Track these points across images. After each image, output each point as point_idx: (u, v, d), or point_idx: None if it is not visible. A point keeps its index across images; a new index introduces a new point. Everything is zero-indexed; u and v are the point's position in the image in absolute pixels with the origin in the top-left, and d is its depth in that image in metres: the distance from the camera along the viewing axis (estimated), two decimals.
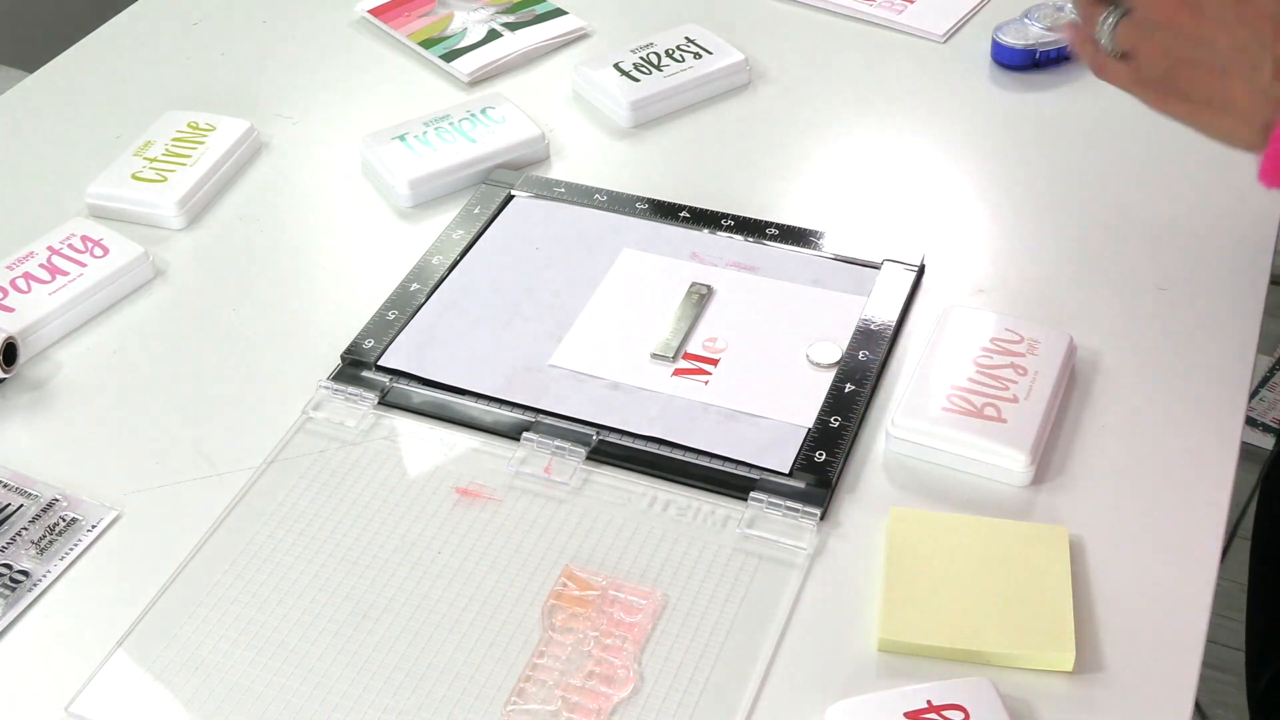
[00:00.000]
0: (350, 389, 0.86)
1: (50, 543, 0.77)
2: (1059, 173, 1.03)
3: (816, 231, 0.97)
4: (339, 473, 0.81)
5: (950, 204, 1.01)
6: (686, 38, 1.16)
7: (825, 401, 0.83)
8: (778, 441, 0.81)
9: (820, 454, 0.79)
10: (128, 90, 1.17)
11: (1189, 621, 0.70)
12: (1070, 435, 0.81)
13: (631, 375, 0.86)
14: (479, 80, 1.17)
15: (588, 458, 0.81)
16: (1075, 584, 0.71)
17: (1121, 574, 0.73)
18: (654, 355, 0.87)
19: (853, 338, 0.87)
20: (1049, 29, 1.13)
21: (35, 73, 1.21)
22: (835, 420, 0.82)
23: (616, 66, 1.13)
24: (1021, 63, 1.13)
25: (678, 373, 0.86)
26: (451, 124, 1.07)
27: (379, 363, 0.88)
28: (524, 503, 0.79)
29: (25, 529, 0.78)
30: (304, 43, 1.23)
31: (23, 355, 0.88)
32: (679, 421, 0.82)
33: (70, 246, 0.96)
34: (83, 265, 0.94)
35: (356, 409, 0.85)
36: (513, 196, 1.02)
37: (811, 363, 0.86)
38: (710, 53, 1.14)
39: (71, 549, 0.77)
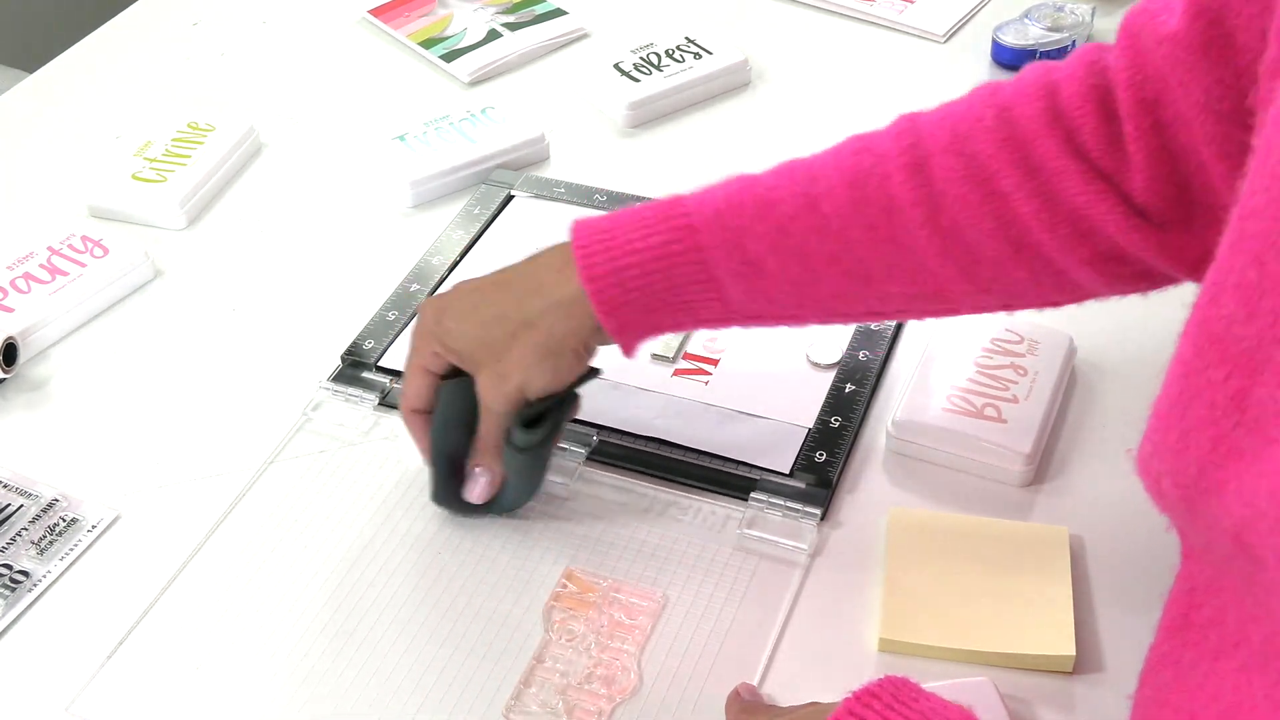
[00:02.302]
0: (350, 389, 0.86)
1: (50, 543, 0.77)
2: None
3: None
4: (339, 473, 0.81)
5: None
6: (686, 38, 1.16)
7: (825, 401, 0.83)
8: (778, 441, 0.81)
9: (820, 454, 0.79)
10: (128, 90, 1.17)
11: None
12: (1070, 435, 0.81)
13: (632, 375, 0.86)
14: (479, 80, 1.16)
15: (588, 458, 0.81)
16: (1075, 584, 0.71)
17: (1121, 574, 0.73)
18: (654, 355, 0.87)
19: (853, 338, 0.87)
20: (1049, 29, 1.13)
21: (35, 73, 1.21)
22: (835, 420, 0.82)
23: (616, 66, 1.13)
24: (1021, 63, 1.13)
25: (678, 373, 0.86)
26: (451, 124, 1.07)
27: (379, 363, 0.88)
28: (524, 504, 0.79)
29: (25, 529, 0.78)
30: (304, 43, 1.23)
31: (23, 355, 0.88)
32: (679, 422, 0.82)
33: (70, 246, 0.96)
34: (83, 265, 0.94)
35: (356, 409, 0.85)
36: (513, 196, 1.02)
37: (811, 363, 0.86)
38: (710, 53, 1.14)
39: (71, 549, 0.77)
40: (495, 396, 0.72)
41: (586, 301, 0.70)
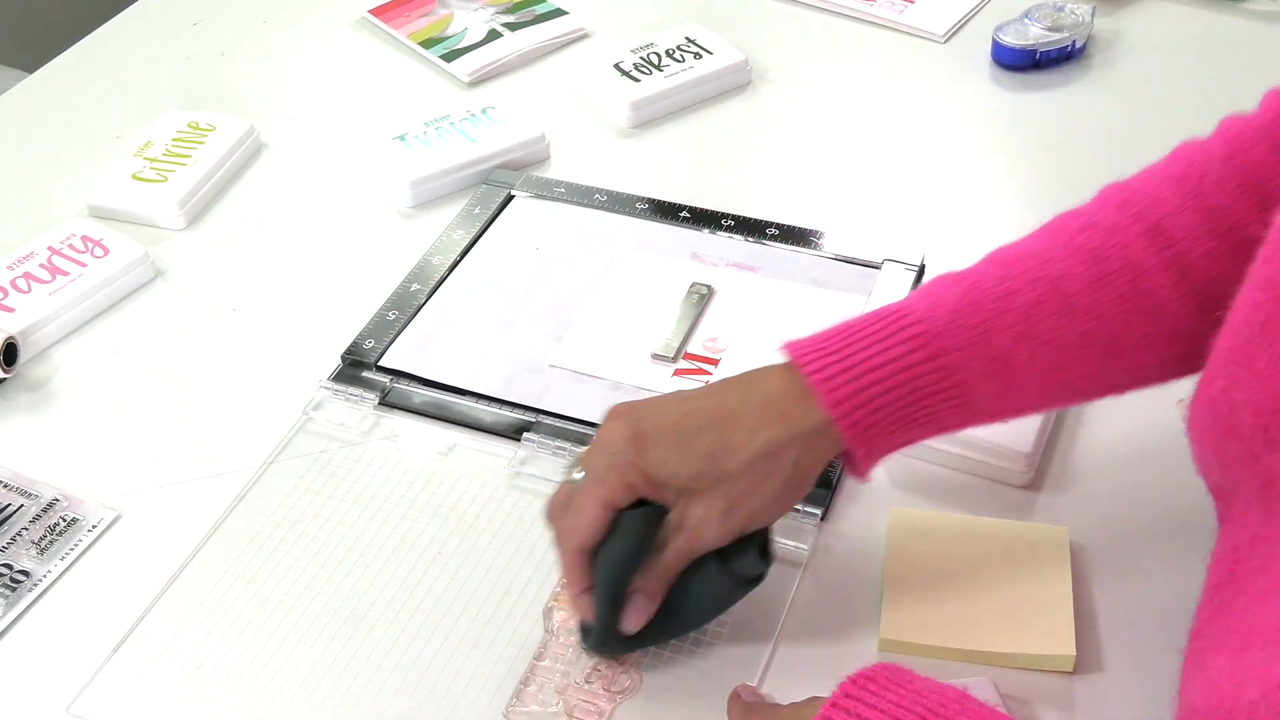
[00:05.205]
0: (350, 389, 0.86)
1: (50, 543, 0.77)
2: (1059, 172, 1.03)
3: (816, 231, 0.97)
4: (339, 473, 0.81)
5: (950, 204, 1.01)
6: (686, 38, 1.16)
7: None
8: None
9: None
10: (128, 90, 1.17)
11: (1189, 621, 0.70)
12: (1070, 436, 0.81)
13: (632, 375, 0.86)
14: (479, 80, 1.17)
15: None
16: (1075, 584, 0.71)
17: (1121, 574, 0.73)
18: (654, 355, 0.87)
19: None
20: (1049, 29, 1.13)
21: (35, 73, 1.21)
22: None
23: (616, 66, 1.13)
24: (1021, 63, 1.13)
25: (678, 373, 0.86)
26: (451, 124, 1.07)
27: (379, 363, 0.88)
28: (524, 503, 0.79)
29: (25, 529, 0.78)
30: (304, 43, 1.23)
31: (23, 355, 0.88)
32: None
33: (70, 246, 0.96)
34: (83, 265, 0.94)
35: (356, 409, 0.85)
36: (513, 196, 1.02)
37: None
38: (710, 53, 1.14)
39: (71, 549, 0.77)
40: (716, 531, 0.65)
41: (832, 429, 0.65)
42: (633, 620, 0.67)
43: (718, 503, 0.64)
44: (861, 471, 0.67)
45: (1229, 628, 0.54)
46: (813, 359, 0.65)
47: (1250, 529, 0.55)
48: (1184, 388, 0.56)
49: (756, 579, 0.68)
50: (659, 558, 0.65)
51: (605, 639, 0.68)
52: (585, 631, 0.69)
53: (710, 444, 0.65)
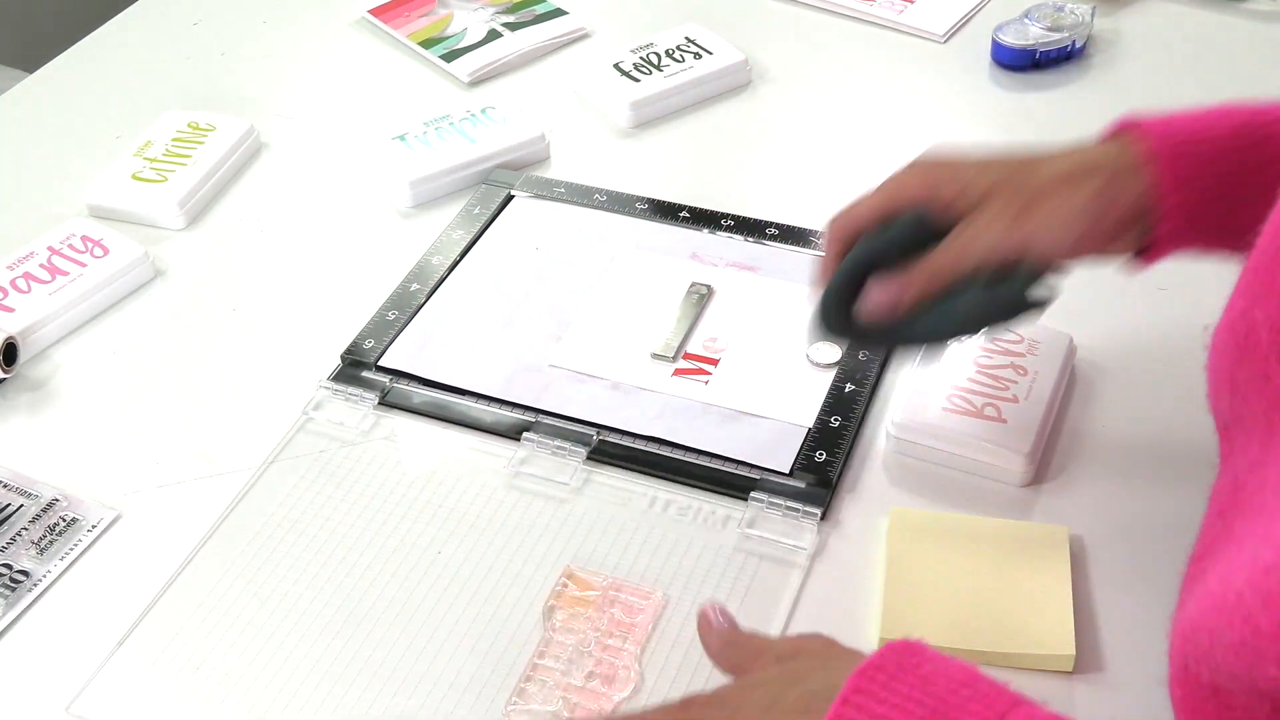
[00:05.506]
0: (350, 389, 0.86)
1: (50, 543, 0.77)
2: None
3: (816, 231, 0.97)
4: (339, 473, 0.81)
5: None
6: (686, 38, 1.16)
7: (825, 401, 0.83)
8: (778, 441, 0.81)
9: (820, 454, 0.79)
10: (128, 90, 1.17)
11: None
12: (1070, 435, 0.81)
13: (632, 375, 0.86)
14: (479, 80, 1.17)
15: (588, 458, 0.81)
16: (1075, 584, 0.71)
17: (1121, 574, 0.73)
18: (654, 355, 0.87)
19: None
20: (1049, 29, 1.13)
21: (35, 73, 1.21)
22: (835, 420, 0.82)
23: (616, 66, 1.13)
24: (1021, 63, 1.13)
25: (678, 373, 0.86)
26: (451, 124, 1.07)
27: (379, 363, 0.88)
28: (524, 503, 0.79)
29: (25, 529, 0.78)
30: (304, 43, 1.23)
31: (23, 355, 0.88)
32: (679, 421, 0.82)
33: (70, 246, 0.96)
34: (83, 265, 0.94)
35: (356, 409, 0.85)
36: (513, 196, 1.02)
37: (811, 362, 0.86)
38: (710, 53, 1.14)
39: (71, 549, 0.77)
40: (999, 233, 0.63)
41: (1147, 173, 0.64)
42: (873, 297, 0.65)
43: (1013, 203, 0.63)
44: (1161, 247, 0.65)
45: (1227, 545, 0.54)
46: (1136, 116, 0.65)
47: (1252, 455, 0.55)
48: (1213, 313, 0.57)
49: (1014, 309, 0.64)
50: (925, 257, 0.64)
51: (830, 313, 0.67)
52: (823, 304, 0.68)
53: (1014, 164, 0.64)
